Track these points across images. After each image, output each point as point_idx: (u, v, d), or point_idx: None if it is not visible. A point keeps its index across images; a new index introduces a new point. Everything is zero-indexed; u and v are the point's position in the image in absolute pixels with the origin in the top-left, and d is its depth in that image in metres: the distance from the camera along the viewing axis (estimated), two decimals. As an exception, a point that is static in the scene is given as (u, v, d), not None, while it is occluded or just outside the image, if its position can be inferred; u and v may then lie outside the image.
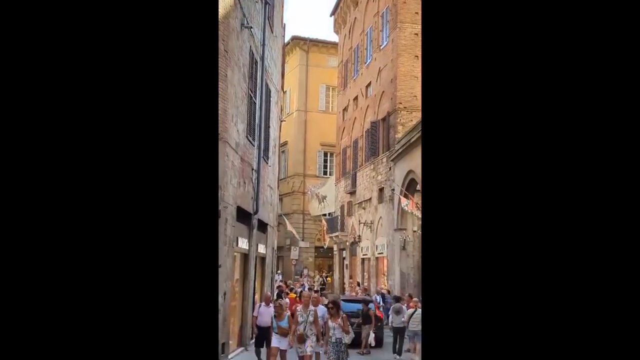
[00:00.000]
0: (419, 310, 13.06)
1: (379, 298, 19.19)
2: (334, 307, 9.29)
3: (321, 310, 9.69)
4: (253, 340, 11.50)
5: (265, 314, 10.74)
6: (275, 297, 14.85)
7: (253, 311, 12.44)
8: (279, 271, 29.75)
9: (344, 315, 9.49)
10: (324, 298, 13.47)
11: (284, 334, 9.85)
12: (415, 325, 12.74)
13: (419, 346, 12.68)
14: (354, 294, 21.66)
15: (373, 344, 13.44)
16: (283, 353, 9.99)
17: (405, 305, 14.52)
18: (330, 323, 9.14)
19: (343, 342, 9.05)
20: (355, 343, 12.73)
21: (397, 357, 13.53)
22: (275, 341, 9.94)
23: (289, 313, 10.32)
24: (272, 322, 10.13)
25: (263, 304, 11.36)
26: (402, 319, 13.71)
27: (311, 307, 9.51)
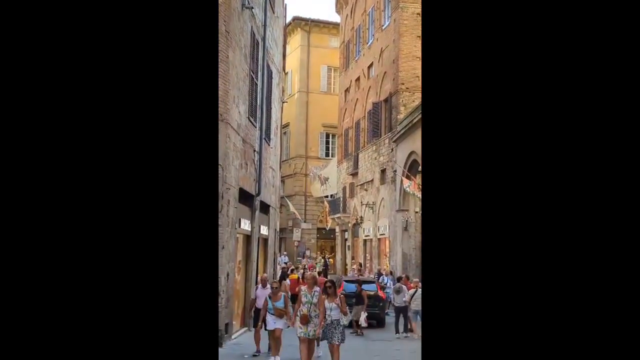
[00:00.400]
0: (420, 290, 13.20)
1: (387, 279, 19.32)
2: (331, 287, 8.97)
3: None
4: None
5: (262, 296, 10.65)
6: (278, 279, 14.88)
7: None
8: (284, 252, 29.82)
9: (342, 295, 9.20)
10: (323, 279, 13.51)
11: (280, 314, 9.76)
12: (417, 304, 12.90)
13: (419, 325, 12.83)
14: (358, 274, 21.72)
15: (364, 324, 13.37)
16: (278, 332, 9.89)
17: (404, 285, 14.68)
18: (326, 303, 8.77)
19: (340, 323, 8.76)
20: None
21: (400, 335, 13.71)
22: (271, 322, 9.85)
23: (284, 294, 10.22)
24: (267, 302, 9.99)
25: (260, 285, 11.27)
26: (404, 298, 13.86)
27: (315, 288, 9.25)
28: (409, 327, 13.96)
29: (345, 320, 8.89)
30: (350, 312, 11.84)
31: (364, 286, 15.11)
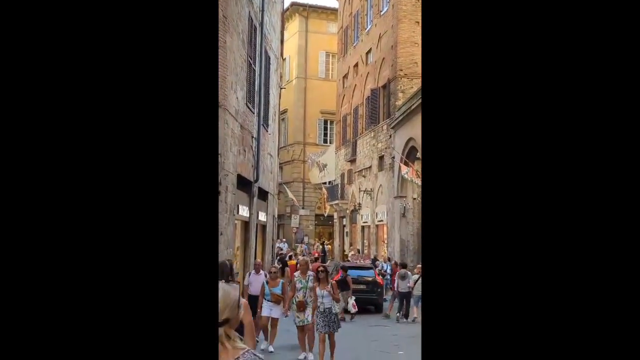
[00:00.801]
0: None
1: (386, 265, 19.56)
2: (323, 271, 8.68)
3: None
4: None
5: (255, 282, 10.12)
6: (280, 267, 14.86)
7: (244, 280, 11.81)
8: (283, 239, 29.86)
9: (334, 282, 8.94)
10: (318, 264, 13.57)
11: (277, 301, 9.34)
12: (419, 290, 13.13)
13: (419, 310, 13.01)
14: (357, 261, 21.68)
15: (352, 310, 13.30)
16: (274, 321, 9.51)
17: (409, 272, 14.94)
18: (318, 290, 8.44)
19: (333, 311, 8.41)
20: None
21: (399, 315, 13.97)
22: (267, 310, 9.37)
23: (282, 280, 9.85)
24: (263, 288, 9.48)
25: (253, 272, 10.72)
26: (408, 284, 14.05)
27: (309, 273, 9.07)
28: (409, 312, 14.23)
29: (337, 308, 8.59)
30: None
31: (362, 272, 15.33)
